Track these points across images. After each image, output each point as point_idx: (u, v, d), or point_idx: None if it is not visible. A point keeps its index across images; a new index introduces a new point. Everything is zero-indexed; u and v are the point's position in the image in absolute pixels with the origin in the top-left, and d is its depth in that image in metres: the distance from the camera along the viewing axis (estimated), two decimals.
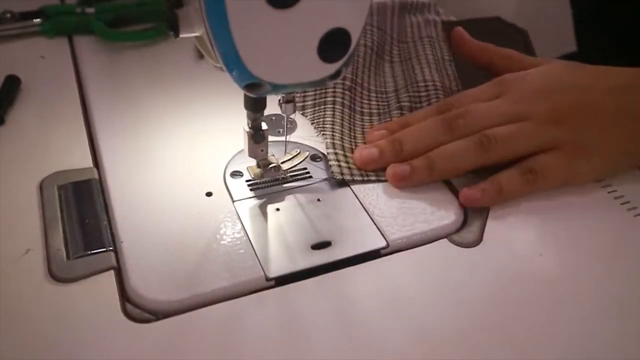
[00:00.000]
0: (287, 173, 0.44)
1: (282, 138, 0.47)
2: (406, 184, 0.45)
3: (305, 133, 0.50)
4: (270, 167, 0.43)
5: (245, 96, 0.39)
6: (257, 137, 0.41)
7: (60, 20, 0.62)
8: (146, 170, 0.45)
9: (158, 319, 0.36)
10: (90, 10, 0.62)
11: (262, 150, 0.42)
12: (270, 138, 0.44)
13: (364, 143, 0.48)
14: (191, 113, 0.52)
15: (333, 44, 0.35)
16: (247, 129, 0.41)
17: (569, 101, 0.46)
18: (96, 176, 0.45)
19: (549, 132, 0.45)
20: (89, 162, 0.46)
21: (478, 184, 0.44)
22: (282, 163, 0.44)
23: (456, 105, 0.48)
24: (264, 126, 0.41)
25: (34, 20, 0.61)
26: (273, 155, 0.44)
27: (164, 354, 0.34)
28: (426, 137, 0.46)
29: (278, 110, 0.42)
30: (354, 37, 0.35)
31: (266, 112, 0.41)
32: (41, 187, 0.44)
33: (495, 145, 0.45)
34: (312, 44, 0.34)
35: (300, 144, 0.48)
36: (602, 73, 0.48)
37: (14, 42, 0.61)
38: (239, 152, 0.47)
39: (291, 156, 0.45)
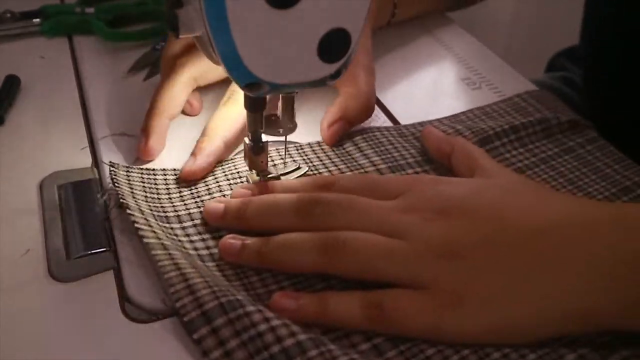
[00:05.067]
0: None
1: (282, 138, 0.47)
2: (234, 260, 0.38)
3: (305, 133, 0.49)
4: (270, 177, 0.43)
5: (246, 96, 0.39)
6: (256, 150, 0.41)
7: (60, 20, 0.62)
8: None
9: (158, 319, 0.36)
10: (90, 10, 0.63)
11: (262, 162, 0.42)
12: (271, 138, 0.44)
13: None
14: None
15: (333, 44, 0.35)
16: (247, 142, 0.41)
17: (475, 232, 0.35)
18: (96, 176, 0.45)
19: (425, 264, 0.34)
20: (88, 162, 0.46)
21: (299, 294, 0.35)
22: (281, 175, 0.44)
23: (337, 188, 0.40)
24: (264, 138, 0.41)
25: (34, 20, 0.61)
26: (274, 165, 0.44)
27: (164, 354, 0.34)
28: (273, 212, 0.39)
29: (279, 110, 0.42)
30: (354, 37, 0.35)
31: (266, 112, 0.41)
32: (41, 187, 0.44)
33: (341, 254, 0.35)
34: (312, 44, 0.34)
35: (300, 143, 0.48)
36: (549, 204, 0.37)
37: (14, 42, 0.61)
38: (239, 151, 0.47)
39: (291, 169, 0.45)
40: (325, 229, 0.36)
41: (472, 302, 0.33)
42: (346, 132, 0.48)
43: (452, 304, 0.33)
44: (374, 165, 0.45)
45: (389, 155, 0.47)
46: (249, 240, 0.38)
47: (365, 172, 0.45)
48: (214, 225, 0.40)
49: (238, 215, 0.39)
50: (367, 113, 0.48)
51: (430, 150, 0.46)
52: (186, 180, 0.43)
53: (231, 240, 0.38)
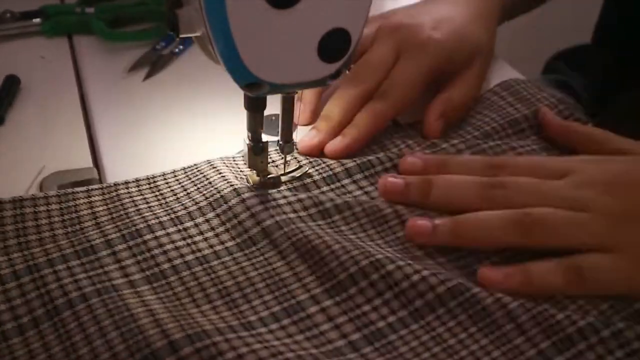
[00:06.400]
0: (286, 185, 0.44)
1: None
2: (424, 241, 0.39)
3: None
4: (270, 178, 0.43)
5: (246, 96, 0.39)
6: (256, 150, 0.41)
7: (60, 20, 0.61)
8: (146, 170, 0.45)
9: None
10: (90, 10, 0.62)
11: (261, 162, 0.42)
12: (271, 138, 0.44)
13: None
14: (192, 113, 0.52)
15: (333, 44, 0.35)
16: (247, 142, 0.41)
17: None
18: (96, 176, 0.45)
19: (613, 229, 0.37)
20: (89, 162, 0.46)
21: (502, 267, 0.38)
22: (281, 175, 0.44)
23: (507, 170, 0.42)
24: (264, 138, 0.41)
25: (34, 20, 0.61)
26: (275, 166, 0.44)
27: None
28: (458, 195, 0.41)
29: (278, 110, 0.42)
30: (354, 37, 0.35)
31: (266, 112, 0.41)
32: (41, 187, 0.44)
33: (538, 229, 0.38)
34: (312, 44, 0.35)
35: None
36: None
37: (14, 42, 0.60)
38: (239, 152, 0.47)
39: (292, 169, 0.44)
40: (507, 209, 0.39)
41: None
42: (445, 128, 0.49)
43: None
44: (381, 162, 0.46)
45: (396, 152, 0.47)
46: (439, 221, 0.39)
47: (374, 170, 0.45)
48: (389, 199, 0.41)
49: (422, 193, 0.41)
50: (467, 109, 0.51)
51: (550, 137, 0.49)
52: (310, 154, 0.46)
53: (422, 221, 0.40)
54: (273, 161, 0.45)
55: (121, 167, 0.46)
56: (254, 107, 0.39)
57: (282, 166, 0.44)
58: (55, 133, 0.49)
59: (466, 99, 0.51)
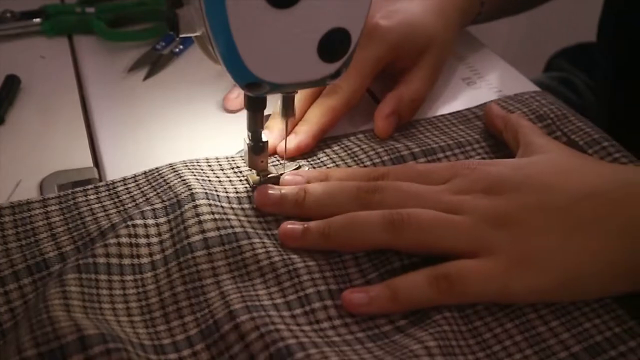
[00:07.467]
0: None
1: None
2: (297, 245, 0.38)
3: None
4: (270, 177, 0.43)
5: (246, 95, 0.39)
6: (256, 149, 0.41)
7: (61, 19, 0.62)
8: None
9: None
10: (90, 9, 0.62)
11: (261, 162, 0.42)
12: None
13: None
14: (191, 113, 0.52)
15: (333, 44, 0.35)
16: (248, 141, 0.41)
17: (525, 202, 0.37)
18: (96, 176, 0.45)
19: (484, 233, 0.36)
20: (89, 162, 0.46)
21: (366, 287, 0.36)
22: (281, 175, 0.44)
23: (390, 177, 0.41)
24: (264, 138, 0.41)
25: (34, 19, 0.61)
26: (274, 165, 0.44)
27: None
28: (332, 200, 0.40)
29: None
30: (354, 37, 0.35)
31: (266, 112, 0.41)
32: (41, 187, 0.44)
33: (408, 228, 0.36)
34: (312, 43, 0.35)
35: None
36: (592, 171, 0.39)
37: (14, 41, 0.61)
38: (239, 152, 0.47)
39: (291, 168, 0.44)
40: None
41: (533, 262, 0.35)
42: (397, 126, 0.49)
43: (516, 265, 0.35)
44: (380, 157, 0.45)
45: (393, 149, 0.47)
46: (312, 225, 0.38)
47: (373, 164, 0.45)
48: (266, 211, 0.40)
49: (296, 202, 0.40)
50: (416, 109, 0.50)
51: (486, 125, 0.49)
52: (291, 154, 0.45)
53: (291, 225, 0.39)
54: (277, 159, 0.45)
55: (121, 167, 0.46)
56: (254, 106, 0.39)
57: (282, 166, 0.44)
58: (55, 133, 0.49)
59: (417, 96, 0.49)
